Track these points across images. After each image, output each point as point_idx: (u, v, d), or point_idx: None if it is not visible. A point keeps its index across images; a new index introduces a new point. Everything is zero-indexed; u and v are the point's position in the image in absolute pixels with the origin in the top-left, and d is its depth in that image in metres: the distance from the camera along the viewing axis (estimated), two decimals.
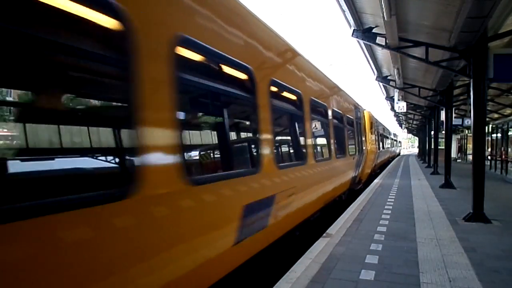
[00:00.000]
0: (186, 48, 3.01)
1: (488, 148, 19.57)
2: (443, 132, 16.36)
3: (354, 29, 9.16)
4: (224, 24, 3.62)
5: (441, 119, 16.59)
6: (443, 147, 15.64)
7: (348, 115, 10.75)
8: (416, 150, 67.87)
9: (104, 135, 2.63)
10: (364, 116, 15.45)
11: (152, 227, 2.49)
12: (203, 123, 4.20)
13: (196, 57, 3.27)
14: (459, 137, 33.55)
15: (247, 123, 4.84)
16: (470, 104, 8.17)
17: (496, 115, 20.55)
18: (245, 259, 3.97)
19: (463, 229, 6.60)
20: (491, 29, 7.50)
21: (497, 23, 7.39)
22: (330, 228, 6.65)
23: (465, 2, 6.06)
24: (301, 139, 6.19)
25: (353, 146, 11.75)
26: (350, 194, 11.53)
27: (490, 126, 19.98)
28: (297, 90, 5.85)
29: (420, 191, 12.04)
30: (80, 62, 2.22)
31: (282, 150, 5.92)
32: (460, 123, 21.49)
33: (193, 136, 3.75)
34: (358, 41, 9.88)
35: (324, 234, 6.14)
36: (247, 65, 4.03)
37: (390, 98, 21.95)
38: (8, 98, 2.07)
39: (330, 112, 8.23)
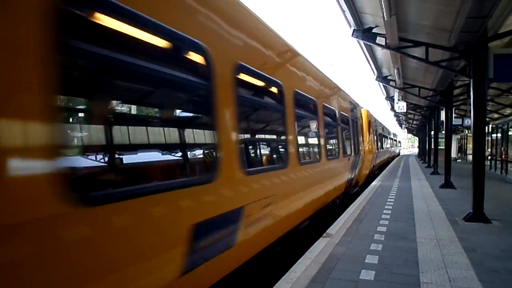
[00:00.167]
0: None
1: (488, 148, 19.56)
2: (443, 132, 16.36)
3: (354, 29, 9.16)
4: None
5: (441, 119, 16.58)
6: (443, 147, 15.64)
7: (342, 113, 9.92)
8: (416, 150, 67.86)
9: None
10: (361, 114, 14.84)
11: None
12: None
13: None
14: (459, 137, 33.56)
15: (193, 115, 3.88)
16: (470, 104, 8.17)
17: (496, 115, 20.59)
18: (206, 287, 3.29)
19: (463, 229, 6.60)
20: (491, 29, 7.50)
21: (497, 23, 7.39)
22: (330, 228, 6.64)
23: (465, 2, 6.06)
24: (282, 139, 5.37)
25: (349, 146, 10.96)
26: (350, 196, 11.28)
27: (490, 126, 19.98)
28: (276, 80, 4.96)
29: (420, 191, 12.04)
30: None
31: (253, 152, 5.13)
32: (460, 123, 21.48)
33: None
34: (358, 41, 9.89)
35: (324, 234, 6.14)
36: (199, 42, 3.17)
37: (390, 98, 21.96)
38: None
39: (320, 108, 7.30)
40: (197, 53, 3.17)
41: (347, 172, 10.43)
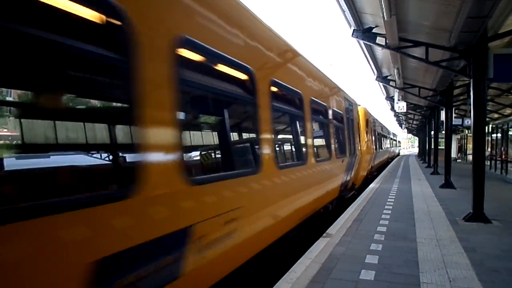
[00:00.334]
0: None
1: (488, 148, 19.57)
2: (443, 132, 16.36)
3: (354, 29, 9.16)
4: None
5: (441, 119, 16.59)
6: (443, 147, 15.63)
7: (335, 109, 8.92)
8: (416, 150, 67.91)
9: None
10: (358, 112, 13.96)
11: None
12: None
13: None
14: (459, 137, 33.58)
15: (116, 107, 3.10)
16: (470, 104, 8.17)
17: (496, 115, 20.58)
18: None
19: (463, 229, 6.60)
20: (491, 29, 7.50)
21: (497, 23, 7.39)
22: (330, 228, 6.64)
23: (465, 2, 6.06)
24: (252, 138, 4.55)
25: (343, 147, 9.88)
26: (347, 200, 10.43)
27: (490, 126, 19.99)
28: (247, 66, 4.13)
29: (420, 191, 12.04)
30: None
31: (207, 156, 4.35)
32: (460, 123, 21.50)
33: None
34: (358, 41, 9.89)
35: (324, 234, 6.14)
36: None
37: (390, 98, 21.98)
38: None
39: (306, 104, 6.35)
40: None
41: (342, 174, 9.56)
